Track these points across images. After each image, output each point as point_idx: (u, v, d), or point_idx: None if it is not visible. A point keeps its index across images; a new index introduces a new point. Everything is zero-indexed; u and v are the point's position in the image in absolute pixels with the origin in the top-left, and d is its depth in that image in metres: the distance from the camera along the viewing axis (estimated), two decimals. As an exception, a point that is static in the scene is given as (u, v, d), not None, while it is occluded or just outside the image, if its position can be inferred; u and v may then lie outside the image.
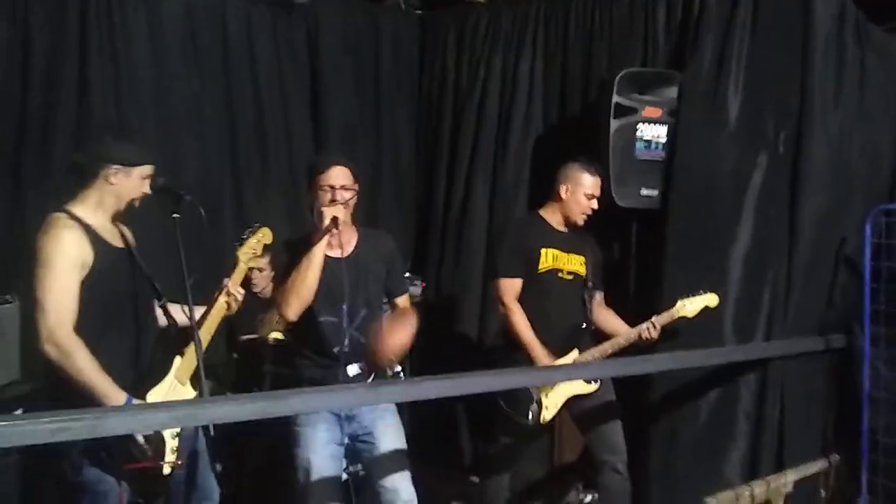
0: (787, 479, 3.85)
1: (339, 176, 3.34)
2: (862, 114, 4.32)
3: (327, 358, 3.35)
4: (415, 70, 5.88)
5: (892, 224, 4.09)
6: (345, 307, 3.33)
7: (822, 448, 4.17)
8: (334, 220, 3.24)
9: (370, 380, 3.40)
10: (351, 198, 3.35)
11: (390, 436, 3.38)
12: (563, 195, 4.02)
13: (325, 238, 3.26)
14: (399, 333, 3.29)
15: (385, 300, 3.59)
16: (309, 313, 3.31)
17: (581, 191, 4.01)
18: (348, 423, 3.37)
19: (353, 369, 3.36)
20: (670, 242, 4.25)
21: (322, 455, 3.29)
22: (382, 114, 5.68)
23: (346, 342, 3.34)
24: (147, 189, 3.02)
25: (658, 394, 4.21)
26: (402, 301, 3.60)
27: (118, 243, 3.00)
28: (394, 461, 3.35)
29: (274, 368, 4.19)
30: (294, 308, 3.26)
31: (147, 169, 3.03)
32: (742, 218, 4.10)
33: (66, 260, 2.78)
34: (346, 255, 3.38)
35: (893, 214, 4.11)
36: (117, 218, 3.03)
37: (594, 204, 4.05)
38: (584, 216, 4.05)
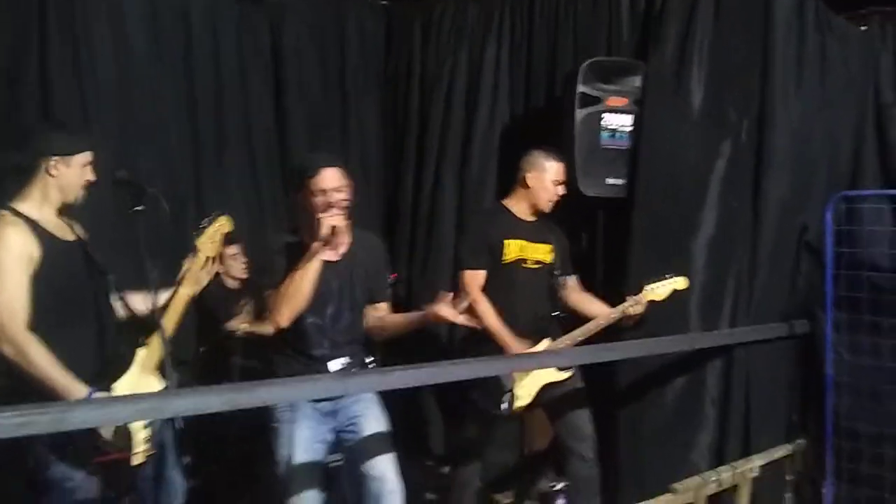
0: (754, 465, 3.89)
1: (331, 178, 3.23)
2: (823, 101, 4.38)
3: (307, 357, 3.31)
4: (381, 62, 5.87)
5: (853, 210, 4.15)
6: (329, 310, 3.31)
7: (788, 433, 4.23)
8: (333, 229, 3.14)
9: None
10: (347, 200, 3.26)
11: (374, 423, 3.34)
12: (531, 182, 4.03)
13: (323, 248, 3.17)
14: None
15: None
16: None
17: (547, 177, 4.02)
18: (333, 417, 3.33)
19: (334, 365, 3.33)
20: (636, 230, 4.28)
21: (304, 450, 3.24)
22: (348, 106, 5.66)
23: (327, 344, 3.32)
24: (90, 176, 2.98)
25: (624, 381, 4.24)
26: (384, 307, 3.54)
27: (68, 236, 2.97)
28: (379, 447, 3.30)
29: (243, 361, 4.17)
30: (286, 316, 3.19)
31: (86, 156, 2.98)
32: (706, 205, 4.14)
33: (10, 256, 2.75)
34: (337, 258, 3.32)
35: (853, 201, 4.17)
36: (65, 211, 2.99)
37: (561, 189, 4.06)
38: (552, 203, 4.06)
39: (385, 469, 3.25)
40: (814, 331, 4.22)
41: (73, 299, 2.89)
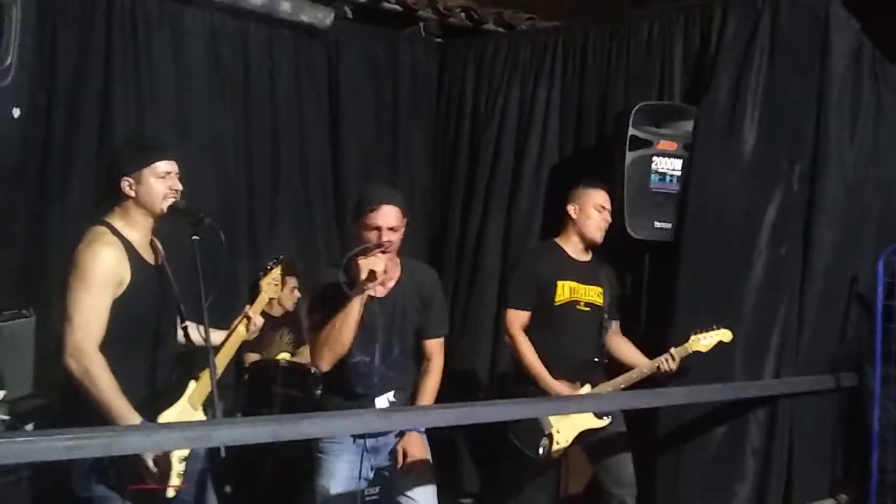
0: (796, 518, 3.83)
1: (389, 216, 3.13)
2: (877, 151, 4.35)
3: (354, 394, 3.27)
4: (433, 98, 5.93)
5: (905, 264, 4.09)
6: (377, 346, 3.24)
7: (831, 487, 4.15)
8: (370, 274, 3.03)
9: None
10: (397, 240, 3.16)
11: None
12: (574, 214, 4.01)
13: (363, 294, 3.06)
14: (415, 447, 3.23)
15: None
16: None
17: (589, 204, 4.00)
18: (375, 453, 3.29)
19: (381, 402, 3.28)
20: (683, 275, 4.25)
21: (343, 484, 3.23)
22: (399, 140, 5.73)
23: (376, 380, 3.26)
24: (170, 185, 2.87)
25: (666, 428, 4.20)
26: (434, 345, 3.39)
27: (152, 260, 2.95)
28: (417, 486, 3.26)
29: (283, 390, 4.19)
30: (327, 361, 3.16)
31: (158, 166, 2.86)
32: (755, 253, 4.10)
33: (102, 278, 2.73)
34: (385, 294, 3.24)
35: (906, 254, 4.11)
36: (153, 232, 2.96)
37: (606, 216, 4.02)
38: (600, 231, 4.02)
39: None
40: (861, 384, 4.16)
41: (143, 325, 2.88)
